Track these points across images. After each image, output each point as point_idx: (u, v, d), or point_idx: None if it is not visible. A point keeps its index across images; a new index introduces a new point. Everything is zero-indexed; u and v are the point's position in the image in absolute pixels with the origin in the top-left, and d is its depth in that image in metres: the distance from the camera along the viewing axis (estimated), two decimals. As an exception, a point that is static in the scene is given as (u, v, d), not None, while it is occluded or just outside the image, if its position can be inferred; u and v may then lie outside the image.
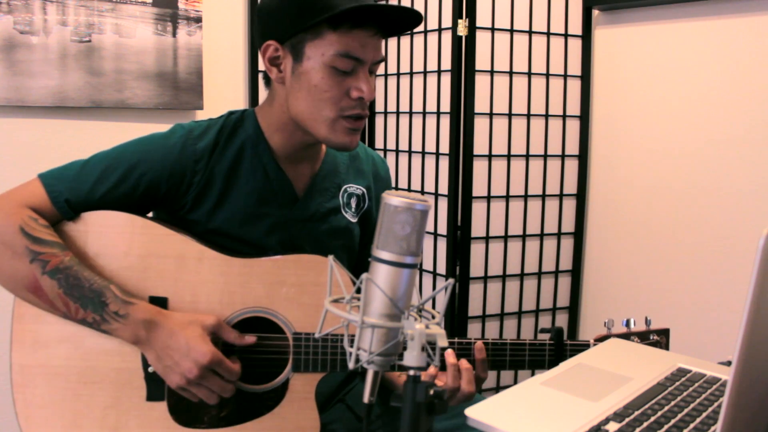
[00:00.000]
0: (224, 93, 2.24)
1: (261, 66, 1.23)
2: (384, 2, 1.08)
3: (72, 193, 1.10)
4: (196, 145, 1.16)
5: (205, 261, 1.12)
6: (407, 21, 1.13)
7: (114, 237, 1.11)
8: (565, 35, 2.06)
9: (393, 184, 2.26)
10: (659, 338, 1.21)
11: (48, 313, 1.08)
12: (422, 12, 2.08)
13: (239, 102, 2.28)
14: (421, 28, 2.10)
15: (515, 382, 1.77)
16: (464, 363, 1.12)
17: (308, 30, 1.08)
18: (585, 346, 1.18)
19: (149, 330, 1.05)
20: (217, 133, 1.18)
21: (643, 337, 1.20)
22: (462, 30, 1.92)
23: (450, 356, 1.12)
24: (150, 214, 1.19)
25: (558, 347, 1.17)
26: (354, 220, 1.29)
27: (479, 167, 2.00)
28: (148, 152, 1.14)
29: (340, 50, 1.08)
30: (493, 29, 1.97)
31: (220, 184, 1.17)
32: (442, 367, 1.13)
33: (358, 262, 1.33)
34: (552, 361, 1.17)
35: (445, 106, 2.00)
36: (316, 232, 1.24)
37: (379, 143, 2.31)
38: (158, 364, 1.06)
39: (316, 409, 1.12)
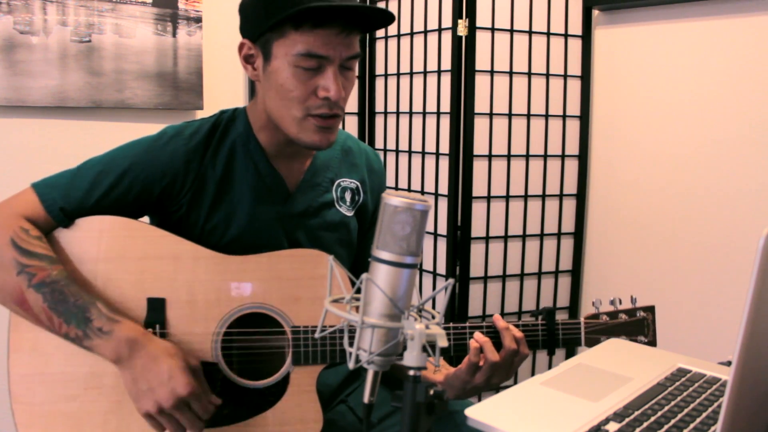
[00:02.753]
0: (224, 93, 2.24)
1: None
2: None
3: (66, 201, 1.10)
4: (187, 145, 1.16)
5: (201, 260, 1.12)
6: (374, 20, 1.11)
7: (110, 241, 1.11)
8: (565, 35, 2.06)
9: (390, 182, 2.27)
10: (646, 314, 1.24)
11: None
12: (423, 12, 2.08)
13: (239, 102, 2.28)
14: (421, 27, 2.10)
15: (515, 382, 1.77)
16: (515, 330, 1.16)
17: (274, 29, 1.09)
18: (576, 326, 1.20)
19: (132, 349, 1.03)
20: (209, 133, 1.18)
21: (630, 314, 1.23)
22: (462, 30, 1.92)
23: (499, 320, 1.16)
24: (146, 220, 1.19)
25: (550, 327, 1.19)
26: (350, 214, 1.29)
27: (479, 167, 2.00)
28: (139, 155, 1.14)
29: (302, 50, 1.07)
30: (493, 29, 1.97)
31: (214, 183, 1.17)
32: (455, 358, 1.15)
33: (357, 255, 1.34)
34: (545, 341, 1.20)
35: (445, 106, 2.00)
36: (311, 226, 1.24)
37: (379, 143, 2.31)
38: (132, 386, 1.03)
39: (318, 401, 1.12)
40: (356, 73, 1.17)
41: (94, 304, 1.05)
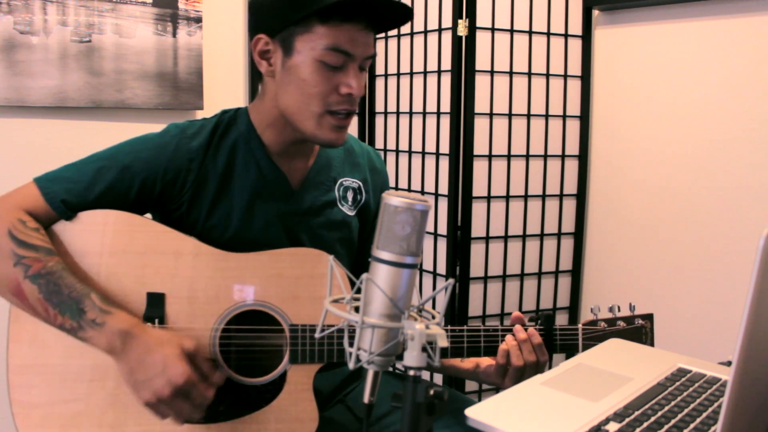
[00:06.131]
0: (224, 93, 2.24)
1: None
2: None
3: (68, 194, 1.10)
4: (190, 143, 1.17)
5: (202, 256, 1.13)
6: (397, 15, 1.13)
7: (111, 235, 1.11)
8: (565, 35, 2.06)
9: (390, 182, 2.27)
10: (644, 323, 1.23)
11: None
12: (423, 12, 2.08)
13: (239, 102, 2.28)
14: (421, 27, 2.10)
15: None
16: (535, 336, 1.18)
17: (298, 23, 1.09)
18: (574, 333, 1.21)
19: (125, 341, 1.03)
20: (211, 132, 1.19)
21: (629, 321, 1.23)
22: (462, 30, 1.92)
23: (519, 332, 1.17)
24: (149, 217, 1.20)
25: (548, 333, 1.19)
26: (352, 213, 1.30)
27: (479, 167, 2.00)
28: (141, 152, 1.15)
29: (329, 44, 1.08)
30: (493, 29, 1.97)
31: (215, 182, 1.18)
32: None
33: (358, 255, 1.34)
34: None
35: (445, 106, 2.00)
36: (313, 225, 1.24)
37: (379, 143, 2.31)
38: (130, 377, 1.03)
39: (315, 400, 1.12)
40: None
41: (89, 295, 1.05)
